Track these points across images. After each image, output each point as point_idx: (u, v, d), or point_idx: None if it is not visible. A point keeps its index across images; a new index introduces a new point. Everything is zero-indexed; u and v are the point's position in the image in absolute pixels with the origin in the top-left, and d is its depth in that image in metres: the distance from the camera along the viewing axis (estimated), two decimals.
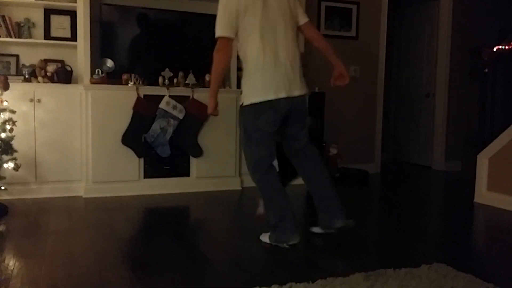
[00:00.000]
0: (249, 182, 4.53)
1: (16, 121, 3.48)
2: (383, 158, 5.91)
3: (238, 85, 4.58)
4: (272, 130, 2.72)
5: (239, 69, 4.69)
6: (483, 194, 4.06)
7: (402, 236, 3.05)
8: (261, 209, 3.07)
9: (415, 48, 6.55)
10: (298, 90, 2.71)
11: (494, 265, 2.58)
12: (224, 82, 4.59)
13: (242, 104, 2.73)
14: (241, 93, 2.79)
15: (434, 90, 6.13)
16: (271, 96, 2.63)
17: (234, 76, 4.53)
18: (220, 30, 2.63)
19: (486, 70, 4.32)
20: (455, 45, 5.91)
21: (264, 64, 2.65)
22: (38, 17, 4.18)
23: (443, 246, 2.93)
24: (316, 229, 3.01)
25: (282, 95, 2.63)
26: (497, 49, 4.19)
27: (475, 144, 4.38)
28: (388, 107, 6.79)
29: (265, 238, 2.82)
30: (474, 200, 4.12)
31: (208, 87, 4.34)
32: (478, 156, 4.13)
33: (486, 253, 2.81)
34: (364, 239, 2.66)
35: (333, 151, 4.92)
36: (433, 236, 3.20)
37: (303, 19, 2.84)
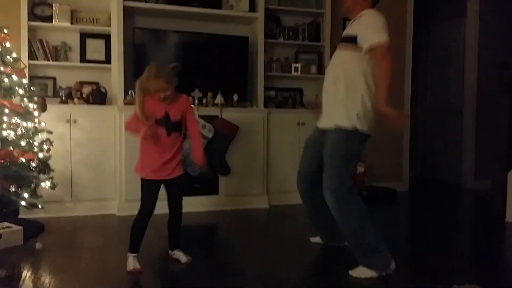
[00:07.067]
0: (277, 200, 4.59)
1: (53, 141, 3.58)
2: (410, 175, 5.85)
3: (266, 104, 4.66)
4: None
5: (268, 89, 4.78)
6: None
7: (432, 256, 3.04)
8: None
9: (442, 64, 6.52)
10: None
11: None
12: (251, 101, 4.67)
13: (348, 128, 2.61)
14: (347, 113, 2.62)
15: (462, 106, 6.05)
16: (373, 134, 2.73)
17: (262, 95, 4.60)
18: (387, 38, 2.53)
19: None
20: (482, 62, 5.83)
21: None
22: (74, 41, 4.36)
23: (474, 266, 2.90)
24: (315, 239, 3.27)
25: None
26: None
27: (505, 161, 4.30)
28: (416, 124, 6.74)
29: (363, 272, 2.56)
30: (506, 219, 4.04)
31: (236, 106, 4.43)
32: (509, 173, 4.07)
33: None
34: (394, 258, 2.66)
35: (360, 169, 4.86)
36: (464, 256, 3.16)
37: None
